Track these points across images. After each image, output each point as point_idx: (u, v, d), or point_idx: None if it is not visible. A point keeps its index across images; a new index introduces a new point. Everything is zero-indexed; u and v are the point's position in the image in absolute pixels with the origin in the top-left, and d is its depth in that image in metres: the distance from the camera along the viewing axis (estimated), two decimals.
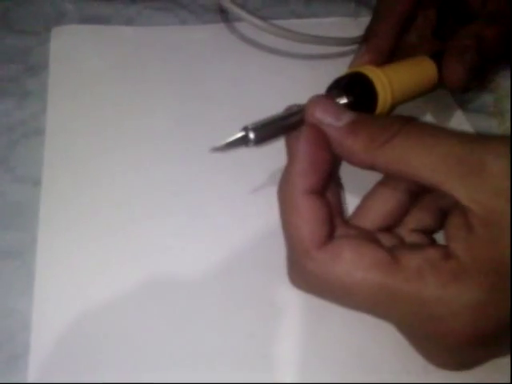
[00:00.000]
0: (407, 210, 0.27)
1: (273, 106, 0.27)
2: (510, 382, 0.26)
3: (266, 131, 0.25)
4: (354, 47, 0.39)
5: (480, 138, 0.22)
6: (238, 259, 0.30)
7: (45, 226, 0.30)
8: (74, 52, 0.38)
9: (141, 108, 0.36)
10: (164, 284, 0.29)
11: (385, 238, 0.26)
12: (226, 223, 0.31)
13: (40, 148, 0.33)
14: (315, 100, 0.25)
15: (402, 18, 0.34)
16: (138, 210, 0.31)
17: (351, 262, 0.22)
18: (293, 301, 0.28)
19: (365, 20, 0.39)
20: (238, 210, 0.32)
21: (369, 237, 0.25)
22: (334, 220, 0.25)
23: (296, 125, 0.26)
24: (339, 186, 0.28)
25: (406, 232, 0.27)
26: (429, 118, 0.37)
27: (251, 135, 0.24)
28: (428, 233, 0.27)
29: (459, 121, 0.37)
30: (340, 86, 0.30)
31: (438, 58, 0.34)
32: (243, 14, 0.36)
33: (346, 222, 0.27)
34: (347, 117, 0.24)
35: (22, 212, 0.30)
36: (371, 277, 0.22)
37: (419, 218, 0.27)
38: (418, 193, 0.27)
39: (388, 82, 0.31)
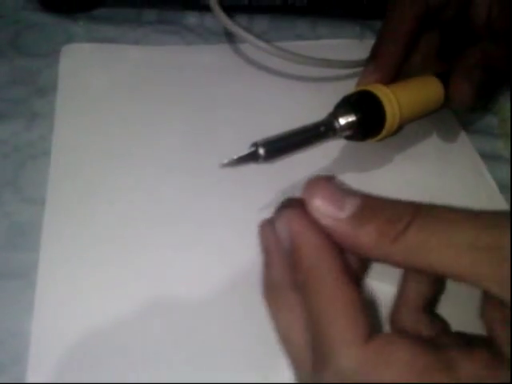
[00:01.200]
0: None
1: (277, 128, 0.28)
2: (509, 382, 0.25)
3: (276, 147, 0.25)
4: (359, 69, 0.39)
5: (499, 218, 0.19)
6: (241, 276, 0.30)
7: (47, 245, 0.30)
8: (83, 70, 0.39)
9: (147, 128, 0.36)
10: (166, 302, 0.29)
11: (426, 324, 0.24)
12: (230, 240, 0.31)
13: (47, 169, 0.33)
14: (314, 183, 0.22)
15: (408, 37, 0.34)
16: (141, 229, 0.31)
17: (406, 365, 0.19)
18: None
19: (370, 42, 0.39)
20: (243, 226, 0.31)
21: (410, 334, 0.23)
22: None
23: (306, 142, 0.27)
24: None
25: (408, 315, 0.24)
26: (433, 139, 0.37)
27: (261, 151, 0.24)
28: (430, 305, 0.25)
29: (463, 142, 0.37)
30: (348, 104, 0.30)
31: (443, 77, 0.34)
32: (249, 37, 0.37)
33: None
34: (351, 205, 0.21)
35: (29, 232, 0.31)
36: (409, 374, 0.19)
37: (414, 292, 0.24)
38: None
39: (396, 100, 0.31)
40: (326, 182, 0.22)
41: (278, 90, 0.39)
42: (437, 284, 0.24)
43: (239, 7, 0.42)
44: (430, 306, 0.25)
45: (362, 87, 0.32)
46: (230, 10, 0.38)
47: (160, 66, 0.39)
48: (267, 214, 0.31)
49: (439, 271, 0.19)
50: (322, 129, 0.29)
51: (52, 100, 0.37)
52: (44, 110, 0.36)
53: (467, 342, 0.21)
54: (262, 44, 0.36)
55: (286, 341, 0.22)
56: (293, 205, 0.22)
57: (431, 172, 0.35)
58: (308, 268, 0.21)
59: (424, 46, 0.36)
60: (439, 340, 0.23)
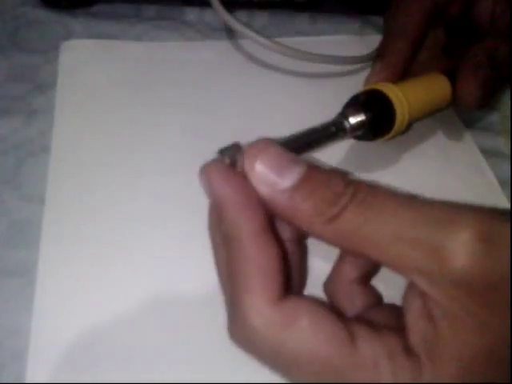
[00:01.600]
0: None
1: (277, 123, 0.27)
2: (510, 382, 0.26)
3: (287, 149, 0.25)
4: (359, 65, 0.39)
5: (442, 213, 0.19)
6: None
7: (47, 243, 0.30)
8: (82, 66, 0.39)
9: (147, 124, 0.36)
10: (165, 300, 0.29)
11: (359, 296, 0.24)
12: None
13: (47, 166, 0.33)
14: (258, 146, 0.21)
15: (416, 34, 0.34)
16: (141, 226, 0.31)
17: (306, 332, 0.19)
18: None
19: (370, 38, 0.39)
20: None
21: (327, 305, 0.22)
22: (290, 279, 0.22)
23: (317, 143, 0.26)
24: (302, 250, 0.25)
25: (342, 287, 0.25)
26: (434, 136, 0.37)
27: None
28: (367, 279, 0.25)
29: (464, 139, 0.37)
30: (358, 103, 0.30)
31: (449, 75, 0.34)
32: (249, 32, 0.36)
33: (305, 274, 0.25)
34: (293, 174, 0.20)
35: (28, 230, 0.31)
36: (323, 353, 0.19)
37: (350, 265, 0.25)
38: None
39: (405, 98, 0.31)
40: (270, 145, 0.21)
41: (278, 85, 0.39)
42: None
43: (239, 3, 0.42)
44: (365, 279, 0.25)
45: (371, 86, 0.32)
46: (230, 5, 0.38)
47: (160, 62, 0.39)
48: None
49: (369, 257, 0.20)
50: (333, 129, 0.29)
51: (51, 96, 0.36)
52: (43, 107, 0.36)
53: (396, 318, 0.21)
54: (262, 40, 0.36)
55: (217, 270, 0.23)
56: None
57: (432, 168, 0.35)
58: (227, 224, 0.20)
59: (430, 43, 0.36)
60: (367, 314, 0.23)
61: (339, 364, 0.19)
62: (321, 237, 0.20)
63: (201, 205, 0.32)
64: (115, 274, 0.29)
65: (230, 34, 0.41)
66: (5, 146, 0.34)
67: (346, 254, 0.25)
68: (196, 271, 0.30)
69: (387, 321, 0.22)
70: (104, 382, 0.26)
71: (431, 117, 0.36)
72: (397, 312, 0.21)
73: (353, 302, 0.24)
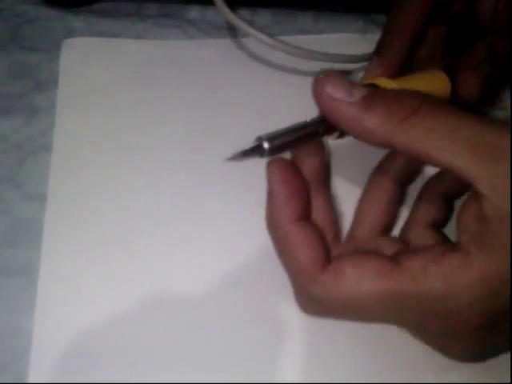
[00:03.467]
0: (399, 203, 0.28)
1: (280, 122, 0.27)
2: (510, 382, 0.26)
3: (281, 142, 0.25)
4: (363, 64, 0.38)
5: (500, 124, 0.21)
6: (242, 273, 0.30)
7: (49, 242, 0.30)
8: (84, 64, 0.38)
9: (149, 122, 0.36)
10: (168, 300, 0.29)
11: (387, 245, 0.26)
12: (232, 237, 0.31)
13: (49, 165, 0.33)
14: (325, 74, 0.24)
15: (415, 31, 0.34)
16: (143, 226, 0.31)
17: (354, 277, 0.22)
18: (297, 315, 0.28)
19: (373, 37, 0.39)
20: (245, 223, 0.32)
21: (366, 248, 0.26)
22: (328, 241, 0.25)
23: (310, 135, 0.26)
24: (328, 206, 0.27)
25: (416, 231, 0.27)
26: None
27: (265, 145, 0.24)
28: (439, 226, 0.28)
29: None
30: None
31: (449, 72, 0.34)
32: (252, 31, 0.36)
33: (341, 240, 0.28)
34: (360, 91, 0.23)
35: (30, 229, 0.30)
36: (377, 286, 0.22)
37: (425, 212, 0.28)
38: (405, 185, 0.29)
39: None
40: (335, 73, 0.24)
41: (281, 84, 0.38)
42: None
43: (242, 1, 0.42)
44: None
45: (369, 81, 0.32)
46: (233, 3, 0.38)
47: (162, 61, 0.39)
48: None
49: (436, 160, 0.21)
50: (328, 122, 0.29)
51: (52, 95, 0.36)
52: (44, 105, 0.36)
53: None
54: (265, 38, 0.36)
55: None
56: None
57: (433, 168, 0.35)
58: (268, 211, 0.24)
59: (430, 40, 0.35)
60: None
61: (393, 287, 0.21)
62: (391, 140, 0.22)
63: (204, 203, 0.33)
64: (118, 273, 0.29)
65: (233, 32, 0.41)
66: (6, 145, 0.34)
67: (419, 199, 0.28)
68: (199, 271, 0.30)
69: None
70: (106, 382, 0.26)
71: None
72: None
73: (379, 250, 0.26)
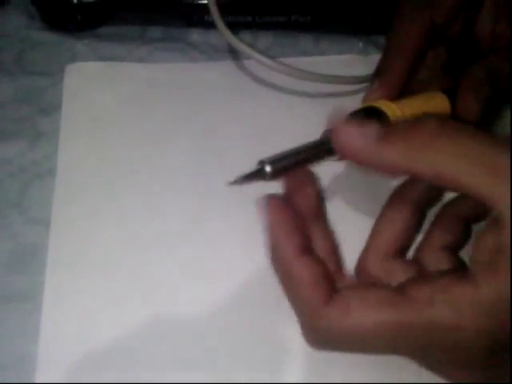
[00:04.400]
0: (418, 226, 0.28)
1: (282, 144, 0.27)
2: (510, 382, 0.26)
3: (283, 165, 0.25)
4: (362, 86, 0.39)
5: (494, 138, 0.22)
6: (247, 294, 0.30)
7: (53, 267, 0.30)
8: (87, 88, 0.39)
9: (152, 146, 0.36)
10: (172, 321, 0.29)
11: (400, 269, 0.26)
12: (234, 258, 0.31)
13: (53, 189, 0.33)
14: (337, 127, 0.24)
15: (414, 54, 0.34)
16: (147, 249, 0.31)
17: (359, 309, 0.22)
18: (299, 337, 0.28)
19: (373, 58, 0.39)
20: (248, 244, 0.32)
21: (376, 275, 0.26)
22: (332, 274, 0.25)
23: (312, 158, 0.26)
24: (328, 237, 0.27)
25: (431, 253, 0.27)
26: None
27: (267, 169, 0.24)
28: (454, 249, 0.28)
29: None
30: None
31: (449, 93, 0.34)
32: (253, 53, 0.37)
33: (343, 270, 0.27)
34: (374, 127, 0.23)
35: (34, 254, 0.31)
36: (381, 317, 0.22)
37: (441, 234, 0.27)
38: (425, 208, 0.28)
39: (403, 116, 0.31)
40: (347, 121, 0.24)
41: (283, 105, 0.39)
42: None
43: (243, 24, 0.42)
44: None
45: (369, 103, 0.32)
46: (234, 26, 0.38)
47: (165, 84, 0.39)
48: None
49: (459, 186, 0.21)
50: (330, 145, 0.29)
51: (57, 119, 0.37)
52: (49, 129, 0.36)
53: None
54: (266, 60, 0.36)
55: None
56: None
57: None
58: (271, 248, 0.25)
59: (430, 62, 0.36)
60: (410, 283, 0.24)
61: (398, 319, 0.21)
62: (412, 168, 0.22)
63: (206, 226, 0.33)
64: (121, 297, 0.29)
65: (235, 54, 0.41)
66: (11, 169, 0.34)
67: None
68: (201, 293, 0.30)
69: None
70: None
71: None
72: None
73: (392, 277, 0.26)
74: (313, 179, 0.26)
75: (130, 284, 0.30)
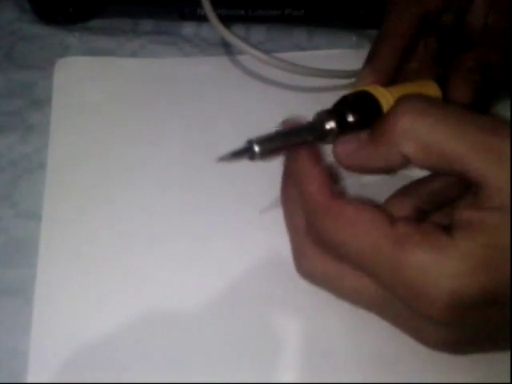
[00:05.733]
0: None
1: None
2: (510, 382, 0.26)
3: (271, 145, 0.25)
4: (356, 79, 0.39)
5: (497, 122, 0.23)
6: (240, 289, 0.30)
7: (44, 261, 0.30)
8: (78, 84, 0.38)
9: (143, 140, 0.36)
10: (165, 316, 0.29)
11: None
12: (228, 254, 0.31)
13: (43, 183, 0.33)
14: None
15: (405, 40, 0.34)
16: (139, 243, 0.31)
17: (352, 216, 0.24)
18: (294, 332, 0.28)
19: (366, 52, 0.39)
20: (241, 240, 0.32)
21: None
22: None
23: (303, 141, 0.26)
24: None
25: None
26: None
27: (256, 148, 0.24)
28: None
29: None
30: (346, 104, 0.30)
31: (440, 82, 0.34)
32: (246, 47, 0.36)
33: None
34: (364, 133, 0.26)
35: (25, 248, 0.30)
36: (365, 234, 0.23)
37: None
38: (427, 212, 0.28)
39: (394, 101, 0.31)
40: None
41: (276, 100, 0.39)
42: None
43: (236, 17, 0.42)
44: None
45: (361, 88, 0.32)
46: (227, 20, 0.38)
47: (157, 79, 0.39)
48: (265, 227, 0.31)
49: (445, 167, 0.23)
50: (321, 129, 0.29)
51: (48, 112, 0.36)
52: (40, 123, 0.36)
53: None
54: (259, 55, 0.36)
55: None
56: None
57: (423, 172, 0.35)
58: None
59: (421, 51, 0.36)
60: None
61: (378, 241, 0.23)
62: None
63: (199, 221, 0.33)
64: (113, 291, 0.29)
65: (228, 48, 0.41)
66: (1, 163, 0.34)
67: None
68: (196, 286, 0.30)
69: None
70: None
71: None
72: None
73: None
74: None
75: (123, 279, 0.30)
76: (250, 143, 0.25)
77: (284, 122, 0.27)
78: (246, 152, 0.25)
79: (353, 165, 0.26)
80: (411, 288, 0.22)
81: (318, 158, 0.26)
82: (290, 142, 0.26)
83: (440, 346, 0.25)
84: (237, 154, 0.25)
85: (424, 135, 0.23)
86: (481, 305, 0.22)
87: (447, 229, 0.22)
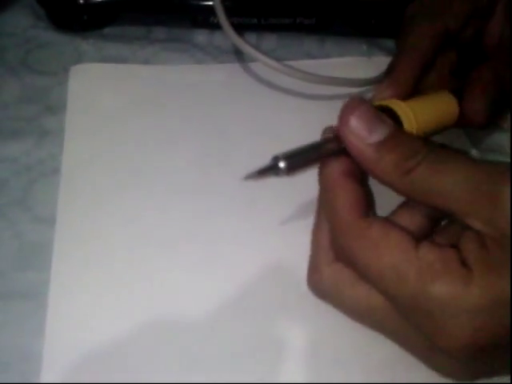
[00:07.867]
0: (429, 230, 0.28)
1: (287, 146, 0.27)
2: (510, 382, 0.26)
3: (297, 160, 0.25)
4: (366, 88, 0.39)
5: (494, 167, 0.23)
6: (250, 295, 0.30)
7: (58, 265, 0.30)
8: (92, 90, 0.39)
9: (157, 147, 0.36)
10: (175, 321, 0.29)
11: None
12: (238, 259, 0.31)
13: (58, 188, 0.33)
14: (354, 104, 0.25)
15: (425, 56, 0.34)
16: (152, 248, 0.31)
17: (376, 238, 0.23)
18: (302, 340, 0.29)
19: (377, 60, 0.39)
20: (252, 246, 0.32)
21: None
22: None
23: (328, 154, 0.26)
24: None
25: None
26: None
27: (281, 164, 0.24)
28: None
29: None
30: None
31: (456, 95, 0.34)
32: (258, 55, 0.37)
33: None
34: (381, 132, 0.25)
35: (39, 252, 0.31)
36: (389, 256, 0.23)
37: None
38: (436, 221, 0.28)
39: (413, 115, 0.31)
40: (362, 103, 0.25)
41: (288, 108, 0.39)
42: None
43: (248, 25, 0.42)
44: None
45: (379, 102, 0.32)
46: (239, 28, 0.38)
47: (170, 86, 0.39)
48: (277, 233, 0.32)
49: (434, 205, 0.24)
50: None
51: (63, 118, 0.37)
52: (55, 128, 0.36)
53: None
54: (271, 62, 0.37)
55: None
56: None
57: None
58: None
59: (440, 64, 0.36)
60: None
61: (400, 266, 0.23)
62: (396, 187, 0.24)
63: (210, 225, 0.33)
64: (126, 295, 0.29)
65: (240, 56, 0.42)
66: (16, 167, 0.34)
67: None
68: (206, 292, 0.30)
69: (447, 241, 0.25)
70: None
71: (438, 135, 0.36)
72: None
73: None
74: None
75: (135, 282, 0.30)
76: (276, 160, 0.24)
77: (323, 131, 0.28)
78: (272, 169, 0.25)
79: (351, 149, 0.26)
80: (430, 319, 0.22)
81: (349, 171, 0.26)
82: (316, 155, 0.26)
83: (452, 376, 0.25)
84: (263, 172, 0.24)
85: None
86: (498, 342, 0.22)
87: (462, 256, 0.23)
